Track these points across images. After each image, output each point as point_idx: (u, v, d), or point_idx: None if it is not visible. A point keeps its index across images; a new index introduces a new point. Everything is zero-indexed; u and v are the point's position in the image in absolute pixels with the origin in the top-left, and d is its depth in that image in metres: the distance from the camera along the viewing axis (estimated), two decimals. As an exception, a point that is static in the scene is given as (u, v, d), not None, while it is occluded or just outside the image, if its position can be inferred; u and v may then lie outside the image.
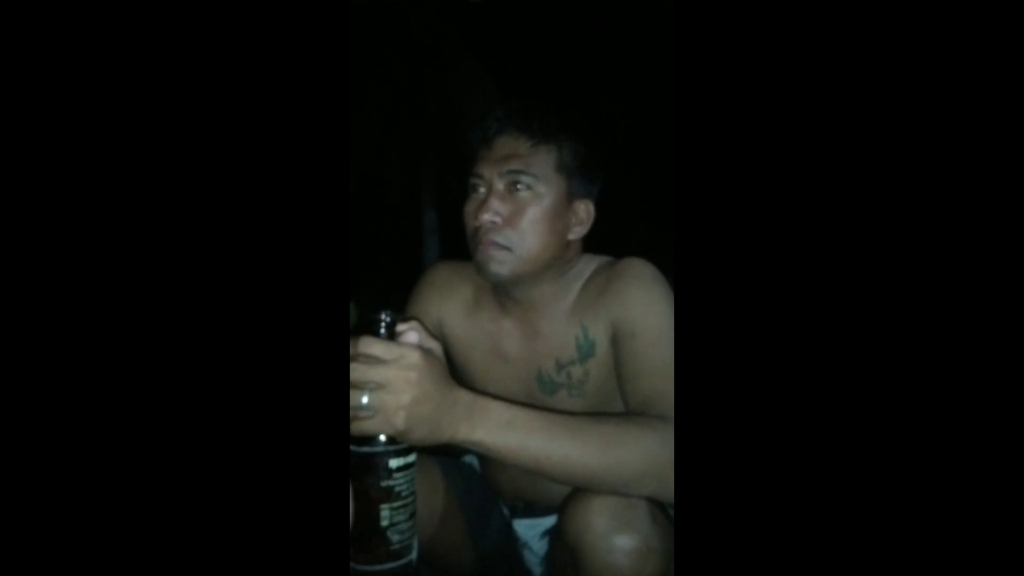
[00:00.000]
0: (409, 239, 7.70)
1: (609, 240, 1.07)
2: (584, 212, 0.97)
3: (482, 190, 0.93)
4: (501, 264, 0.90)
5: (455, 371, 1.04)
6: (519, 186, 0.90)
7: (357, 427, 0.60)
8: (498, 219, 0.90)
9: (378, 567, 0.62)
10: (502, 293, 1.00)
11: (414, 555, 0.64)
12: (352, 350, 0.61)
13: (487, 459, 1.12)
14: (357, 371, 0.60)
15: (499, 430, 0.66)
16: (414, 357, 0.62)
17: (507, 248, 0.90)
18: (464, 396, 0.67)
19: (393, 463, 0.62)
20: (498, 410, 0.67)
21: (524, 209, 0.90)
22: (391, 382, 0.60)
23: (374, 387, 0.60)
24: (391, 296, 1.09)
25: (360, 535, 0.61)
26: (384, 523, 0.61)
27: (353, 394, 0.60)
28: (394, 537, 0.62)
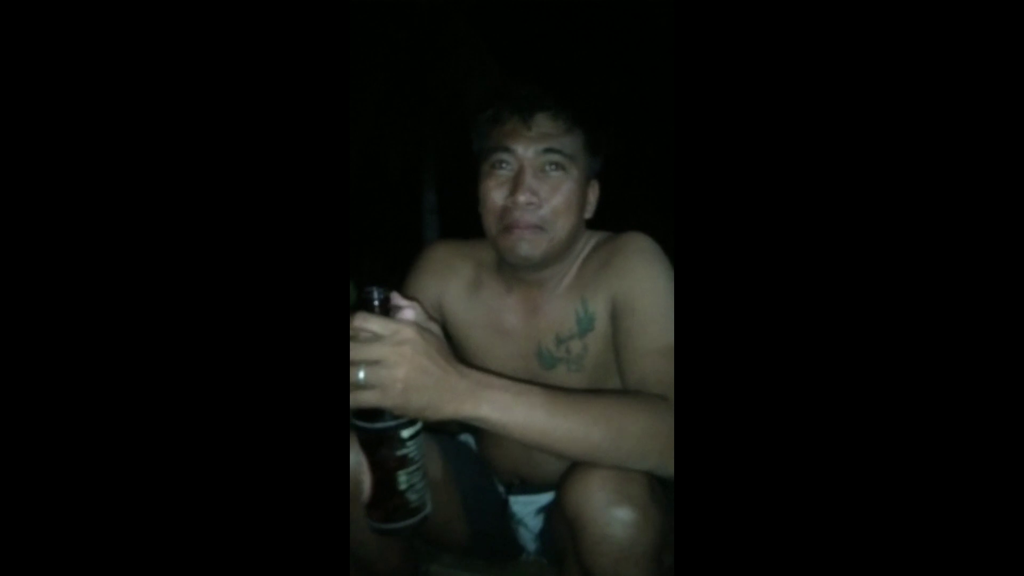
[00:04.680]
0: (409, 219, 7.70)
1: (608, 219, 1.07)
2: (593, 192, 0.98)
3: (508, 167, 0.91)
4: (535, 247, 0.90)
5: (455, 349, 1.04)
6: (552, 166, 0.90)
7: (356, 400, 0.61)
8: (536, 199, 0.89)
9: (400, 524, 0.68)
10: (508, 272, 1.00)
11: (429, 506, 0.71)
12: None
13: (483, 437, 1.13)
14: (352, 348, 0.61)
15: (504, 406, 0.67)
16: (408, 332, 0.62)
17: (543, 229, 0.90)
18: (469, 373, 0.67)
19: (405, 433, 0.66)
20: (503, 386, 0.68)
21: (558, 189, 0.90)
22: (385, 357, 0.61)
23: (370, 363, 0.61)
24: (391, 275, 1.09)
25: (382, 500, 0.68)
26: (402, 487, 0.67)
27: (350, 370, 0.61)
28: (412, 497, 0.68)
